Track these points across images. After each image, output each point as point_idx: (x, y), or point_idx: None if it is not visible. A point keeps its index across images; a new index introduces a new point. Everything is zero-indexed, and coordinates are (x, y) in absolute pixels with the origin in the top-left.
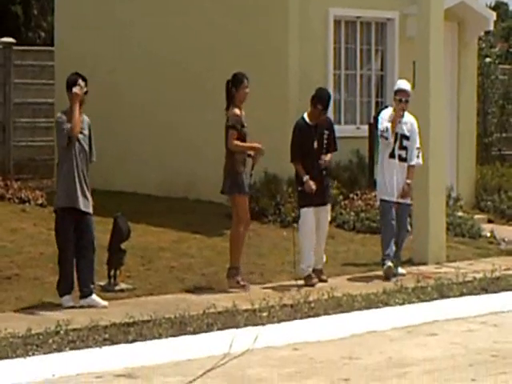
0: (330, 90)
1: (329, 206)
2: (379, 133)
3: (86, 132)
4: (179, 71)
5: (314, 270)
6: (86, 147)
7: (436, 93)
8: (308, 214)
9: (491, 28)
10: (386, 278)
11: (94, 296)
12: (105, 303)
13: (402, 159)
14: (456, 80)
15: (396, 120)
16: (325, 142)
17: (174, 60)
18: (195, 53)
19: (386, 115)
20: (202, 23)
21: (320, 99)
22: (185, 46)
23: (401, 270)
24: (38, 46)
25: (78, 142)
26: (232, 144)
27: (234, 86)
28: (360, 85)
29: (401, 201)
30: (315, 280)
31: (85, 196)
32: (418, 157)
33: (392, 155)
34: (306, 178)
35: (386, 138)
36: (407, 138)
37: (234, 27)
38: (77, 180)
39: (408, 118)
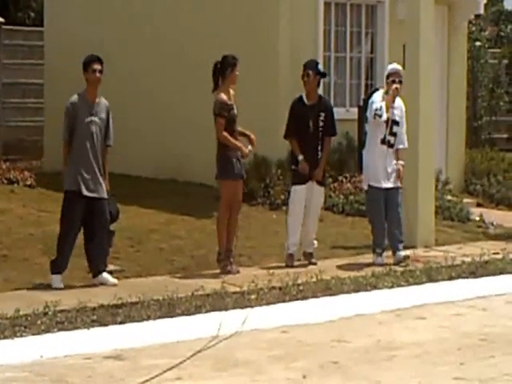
0: None
1: (322, 189)
2: (372, 112)
3: (104, 116)
4: (171, 52)
5: (304, 253)
6: (102, 131)
7: (426, 76)
8: (298, 191)
9: (481, 11)
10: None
11: (104, 274)
12: (114, 281)
13: (391, 145)
14: (446, 63)
15: (391, 100)
16: (321, 123)
17: (166, 40)
18: (186, 34)
19: (377, 97)
20: (195, 5)
21: (308, 65)
22: (176, 26)
23: (403, 253)
24: (28, 26)
25: (92, 125)
26: (221, 135)
27: (226, 68)
28: (350, 67)
29: (392, 185)
30: (294, 262)
31: (95, 181)
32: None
33: (383, 141)
34: (300, 157)
35: (380, 116)
36: (397, 123)
37: (225, 9)
38: (86, 165)
39: (398, 102)
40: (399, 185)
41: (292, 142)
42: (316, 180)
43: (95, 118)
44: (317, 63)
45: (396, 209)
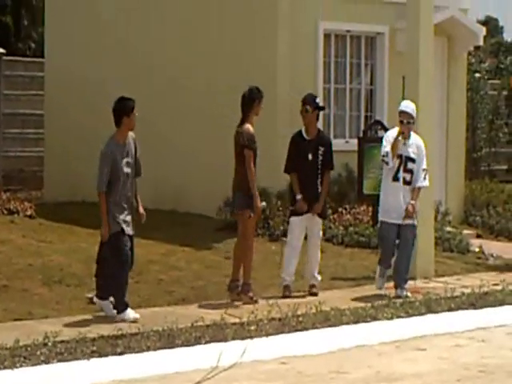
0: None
1: (320, 222)
2: (380, 157)
3: (133, 151)
4: (171, 83)
5: (309, 285)
6: (132, 168)
7: (425, 108)
8: (295, 222)
9: (481, 43)
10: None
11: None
12: (135, 316)
13: (407, 182)
14: (445, 95)
15: (397, 144)
16: (320, 157)
17: (166, 71)
18: (186, 65)
19: (390, 136)
20: (193, 35)
21: (306, 100)
22: (176, 59)
23: (405, 293)
24: (28, 57)
25: (127, 167)
26: (250, 168)
27: (253, 100)
28: (350, 99)
29: (403, 222)
30: (290, 293)
31: (131, 221)
32: (424, 178)
33: (395, 178)
34: (298, 197)
35: (387, 163)
36: (413, 160)
37: (224, 40)
38: (125, 207)
39: (414, 139)
40: (412, 222)
41: (292, 177)
42: (316, 214)
43: (128, 159)
44: (315, 97)
45: (405, 246)
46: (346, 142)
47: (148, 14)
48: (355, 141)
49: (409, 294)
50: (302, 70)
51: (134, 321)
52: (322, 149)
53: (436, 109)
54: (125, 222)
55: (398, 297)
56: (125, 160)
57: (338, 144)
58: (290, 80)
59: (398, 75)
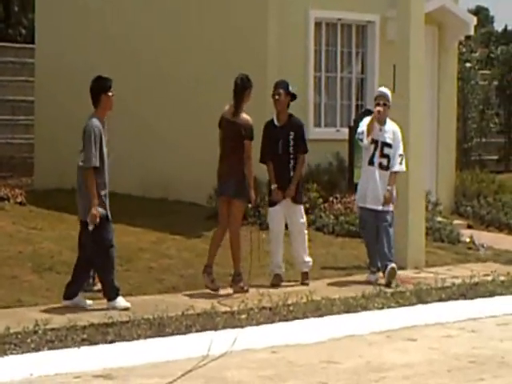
0: (311, 93)
1: (299, 207)
2: (356, 136)
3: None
4: (160, 71)
5: (300, 273)
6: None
7: (416, 97)
8: (273, 212)
9: (471, 33)
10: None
11: (86, 300)
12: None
13: (383, 167)
14: (436, 84)
15: (372, 123)
16: (291, 142)
17: (156, 59)
18: (174, 54)
19: (365, 120)
20: (182, 25)
21: (279, 85)
22: (165, 48)
23: (392, 264)
24: (19, 43)
25: (106, 147)
26: (251, 159)
27: (245, 88)
28: (340, 87)
29: (379, 208)
30: (280, 282)
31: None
32: (400, 163)
33: (371, 162)
34: (273, 186)
35: (361, 140)
36: (389, 145)
37: (214, 30)
38: (105, 188)
39: (390, 126)
40: (388, 208)
41: (268, 166)
42: (290, 198)
43: (106, 139)
44: (288, 84)
45: (385, 231)
46: (337, 130)
47: (136, 3)
48: (346, 130)
49: (394, 265)
50: (292, 58)
51: (125, 309)
52: (292, 134)
53: (427, 98)
54: (107, 206)
55: (388, 277)
56: (105, 139)
57: (328, 133)
58: (280, 69)
59: (389, 64)
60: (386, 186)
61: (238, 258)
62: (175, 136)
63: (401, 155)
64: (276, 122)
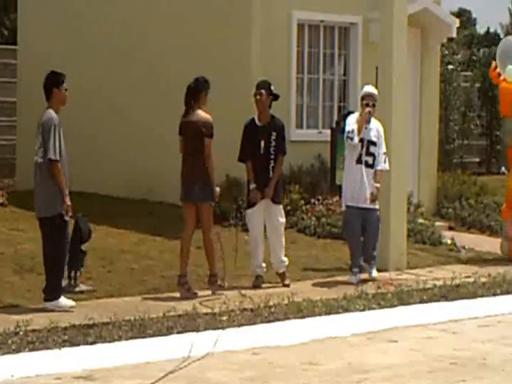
0: (293, 94)
1: (278, 207)
2: (345, 135)
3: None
4: (145, 72)
5: (277, 274)
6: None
7: (398, 98)
8: (251, 214)
9: (454, 35)
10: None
11: (61, 300)
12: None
13: (369, 165)
14: (418, 86)
15: (362, 123)
16: (273, 143)
17: (141, 60)
18: (158, 54)
19: (352, 119)
20: (167, 26)
21: (261, 85)
22: (147, 47)
23: (374, 274)
24: (1, 44)
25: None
26: (210, 156)
27: (201, 90)
28: (323, 89)
29: (369, 206)
30: (261, 283)
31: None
32: (384, 162)
33: (359, 161)
34: (252, 186)
35: (352, 139)
36: (374, 143)
37: (197, 30)
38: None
39: (374, 124)
40: (375, 206)
41: (247, 165)
42: (268, 198)
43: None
44: (270, 84)
45: (372, 229)
46: (319, 132)
47: (121, 2)
48: (328, 131)
49: (376, 276)
50: (275, 60)
51: (70, 309)
52: (274, 134)
53: (409, 100)
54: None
55: (373, 279)
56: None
57: (310, 134)
58: (263, 70)
59: (372, 66)
60: (371, 183)
61: (214, 260)
62: (160, 137)
63: (384, 153)
64: (257, 121)
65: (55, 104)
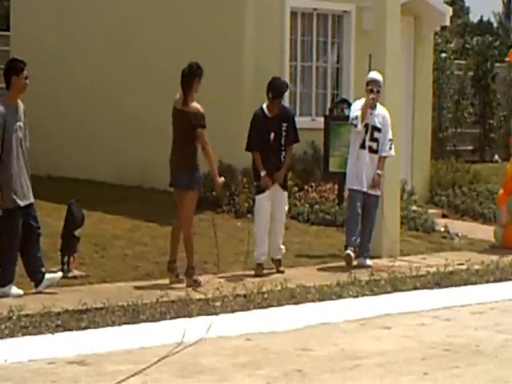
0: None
1: (285, 194)
2: (349, 121)
3: (23, 118)
4: (139, 59)
5: (272, 260)
6: (24, 135)
7: (391, 86)
8: (262, 200)
9: (447, 23)
10: (347, 264)
11: (47, 275)
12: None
13: (373, 151)
14: (412, 74)
15: (366, 109)
16: (283, 134)
17: (134, 47)
18: (151, 42)
19: (358, 105)
20: (160, 15)
21: (270, 87)
22: (144, 37)
23: (368, 262)
24: None
25: (19, 131)
26: (207, 145)
27: (194, 77)
28: (316, 77)
29: (370, 192)
30: (263, 271)
31: (28, 188)
32: (390, 148)
33: (363, 146)
34: (263, 173)
35: (356, 126)
36: (378, 129)
37: (190, 18)
38: (20, 176)
39: (380, 110)
40: (376, 193)
41: (255, 155)
42: (279, 184)
43: (20, 123)
44: (280, 87)
45: (369, 216)
46: (313, 120)
47: None
48: (321, 119)
49: (370, 263)
50: (268, 48)
51: (18, 296)
52: (284, 125)
53: (402, 88)
54: (21, 193)
55: (361, 266)
56: (18, 124)
57: (304, 122)
58: (256, 58)
59: (365, 54)
60: (375, 169)
61: (191, 251)
62: (152, 124)
63: (390, 140)
64: (267, 112)
65: (13, 92)
